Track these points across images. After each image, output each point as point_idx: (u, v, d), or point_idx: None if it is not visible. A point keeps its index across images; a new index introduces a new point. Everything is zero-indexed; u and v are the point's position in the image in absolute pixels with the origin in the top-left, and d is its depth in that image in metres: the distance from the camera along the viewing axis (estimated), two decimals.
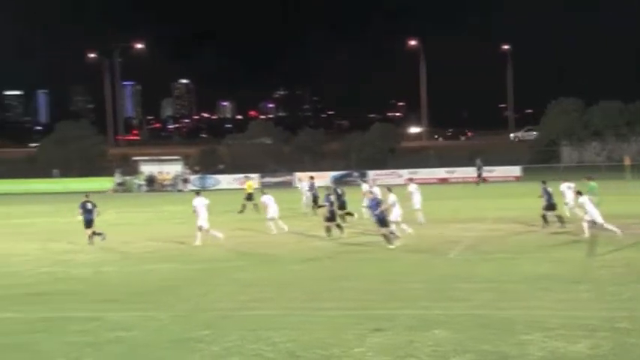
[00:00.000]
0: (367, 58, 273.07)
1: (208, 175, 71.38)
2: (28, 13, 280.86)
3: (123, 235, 31.73)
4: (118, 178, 68.96)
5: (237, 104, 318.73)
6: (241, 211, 39.09)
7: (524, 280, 18.56)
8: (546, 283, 18.15)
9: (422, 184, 64.88)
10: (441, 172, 69.06)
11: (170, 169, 70.83)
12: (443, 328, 13.95)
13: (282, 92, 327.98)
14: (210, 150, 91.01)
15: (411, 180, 35.51)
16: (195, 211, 27.54)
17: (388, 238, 25.05)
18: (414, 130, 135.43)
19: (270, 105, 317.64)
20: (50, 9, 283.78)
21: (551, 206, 30.04)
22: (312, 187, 39.49)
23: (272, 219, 30.59)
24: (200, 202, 27.53)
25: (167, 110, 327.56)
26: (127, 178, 69.82)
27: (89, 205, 28.77)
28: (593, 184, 29.89)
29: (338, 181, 59.88)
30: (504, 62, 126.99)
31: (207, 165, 77.87)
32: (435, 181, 67.32)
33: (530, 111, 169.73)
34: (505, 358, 12.00)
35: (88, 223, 28.60)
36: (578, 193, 27.73)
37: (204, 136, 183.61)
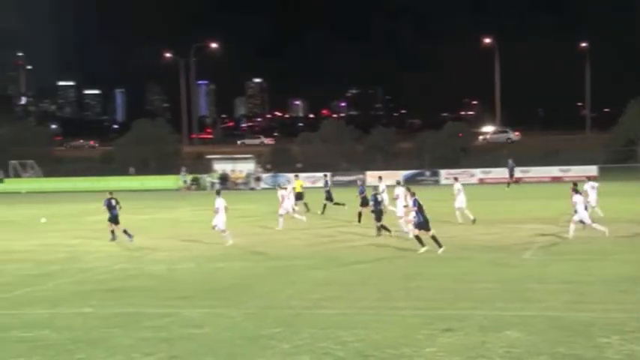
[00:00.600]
0: (440, 56, 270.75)
1: (280, 174, 71.77)
2: (106, 15, 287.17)
3: (195, 232, 32.09)
4: (183, 175, 69.71)
5: (309, 103, 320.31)
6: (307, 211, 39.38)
7: (601, 282, 18.15)
8: (624, 284, 17.71)
9: (495, 183, 64.53)
10: (514, 172, 68.01)
11: (243, 168, 71.41)
12: (516, 329, 13.72)
13: (354, 91, 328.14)
14: (283, 148, 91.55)
15: (456, 179, 35.25)
16: (216, 211, 27.29)
17: (421, 241, 23.89)
18: (487, 129, 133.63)
19: (343, 104, 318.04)
20: (127, 10, 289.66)
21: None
22: (326, 185, 40.16)
23: (283, 214, 32.46)
24: (221, 203, 27.35)
25: (240, 109, 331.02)
26: (200, 176, 70.68)
27: (113, 202, 29.48)
28: None
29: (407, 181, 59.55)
30: (583, 60, 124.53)
31: (279, 163, 78.31)
32: (508, 180, 66.37)
33: (607, 110, 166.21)
34: None
35: (114, 219, 29.38)
36: (575, 191, 27.20)
37: (276, 134, 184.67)
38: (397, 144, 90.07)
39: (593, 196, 32.58)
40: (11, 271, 23.00)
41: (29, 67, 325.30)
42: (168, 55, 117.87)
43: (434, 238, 23.90)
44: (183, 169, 70.77)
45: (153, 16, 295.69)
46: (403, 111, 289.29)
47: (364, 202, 32.09)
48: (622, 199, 42.74)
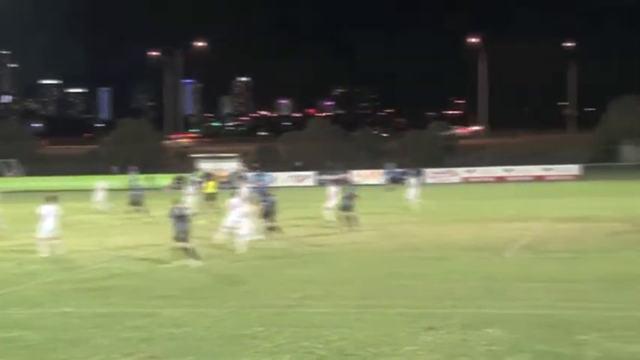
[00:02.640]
0: (425, 56, 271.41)
1: (266, 173, 71.66)
2: (92, 13, 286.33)
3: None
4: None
5: (295, 102, 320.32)
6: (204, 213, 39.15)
7: (583, 280, 18.21)
8: (606, 283, 17.79)
9: (479, 182, 64.75)
10: (498, 171, 68.40)
11: (227, 167, 71.30)
12: (498, 327, 13.75)
13: (340, 90, 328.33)
14: (268, 147, 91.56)
15: (336, 183, 35.64)
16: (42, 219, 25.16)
17: (189, 253, 22.44)
18: (473, 128, 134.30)
19: (329, 103, 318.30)
20: (113, 8, 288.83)
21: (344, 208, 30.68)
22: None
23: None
24: (49, 211, 25.10)
25: (226, 108, 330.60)
26: (184, 175, 70.50)
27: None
28: None
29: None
30: (568, 60, 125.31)
31: (264, 162, 78.26)
32: (491, 179, 66.69)
33: (592, 109, 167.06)
34: (560, 358, 11.78)
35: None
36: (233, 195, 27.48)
37: (263, 133, 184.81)
38: (382, 143, 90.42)
39: (413, 192, 36.64)
40: None
41: (14, 65, 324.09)
42: (154, 53, 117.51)
43: (188, 250, 22.59)
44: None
45: (139, 15, 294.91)
46: (389, 110, 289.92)
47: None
48: (605, 198, 42.98)
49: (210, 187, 40.15)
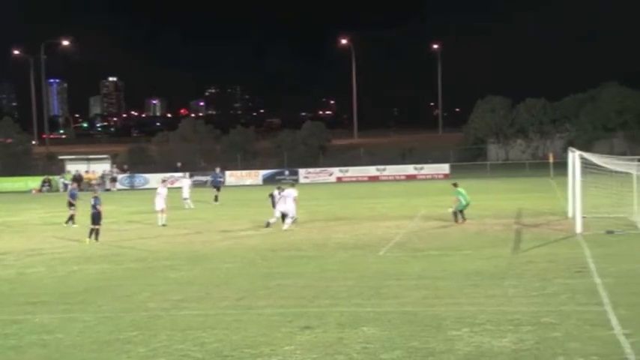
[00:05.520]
0: (298, 57, 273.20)
1: (137, 174, 70.48)
2: None
3: (47, 235, 31.12)
4: None
5: (167, 102, 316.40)
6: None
7: (454, 277, 18.73)
8: (474, 279, 18.35)
9: (353, 182, 65.71)
10: (371, 170, 69.55)
11: (98, 168, 69.69)
12: (372, 325, 13.98)
13: (212, 90, 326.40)
14: (139, 148, 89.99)
15: (163, 181, 37.11)
16: None
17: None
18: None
19: (201, 103, 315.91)
20: None
21: None
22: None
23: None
24: None
25: (95, 108, 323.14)
26: (53, 177, 68.58)
27: None
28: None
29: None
30: (435, 61, 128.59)
31: (136, 163, 76.95)
32: (365, 178, 67.75)
33: (458, 110, 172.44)
34: (433, 353, 12.08)
35: None
36: None
37: (135, 134, 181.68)
38: (256, 143, 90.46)
39: (186, 191, 40.40)
40: None
41: None
42: (16, 52, 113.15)
43: None
44: None
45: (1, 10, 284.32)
46: (262, 110, 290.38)
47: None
48: (472, 197, 44.27)
49: None
